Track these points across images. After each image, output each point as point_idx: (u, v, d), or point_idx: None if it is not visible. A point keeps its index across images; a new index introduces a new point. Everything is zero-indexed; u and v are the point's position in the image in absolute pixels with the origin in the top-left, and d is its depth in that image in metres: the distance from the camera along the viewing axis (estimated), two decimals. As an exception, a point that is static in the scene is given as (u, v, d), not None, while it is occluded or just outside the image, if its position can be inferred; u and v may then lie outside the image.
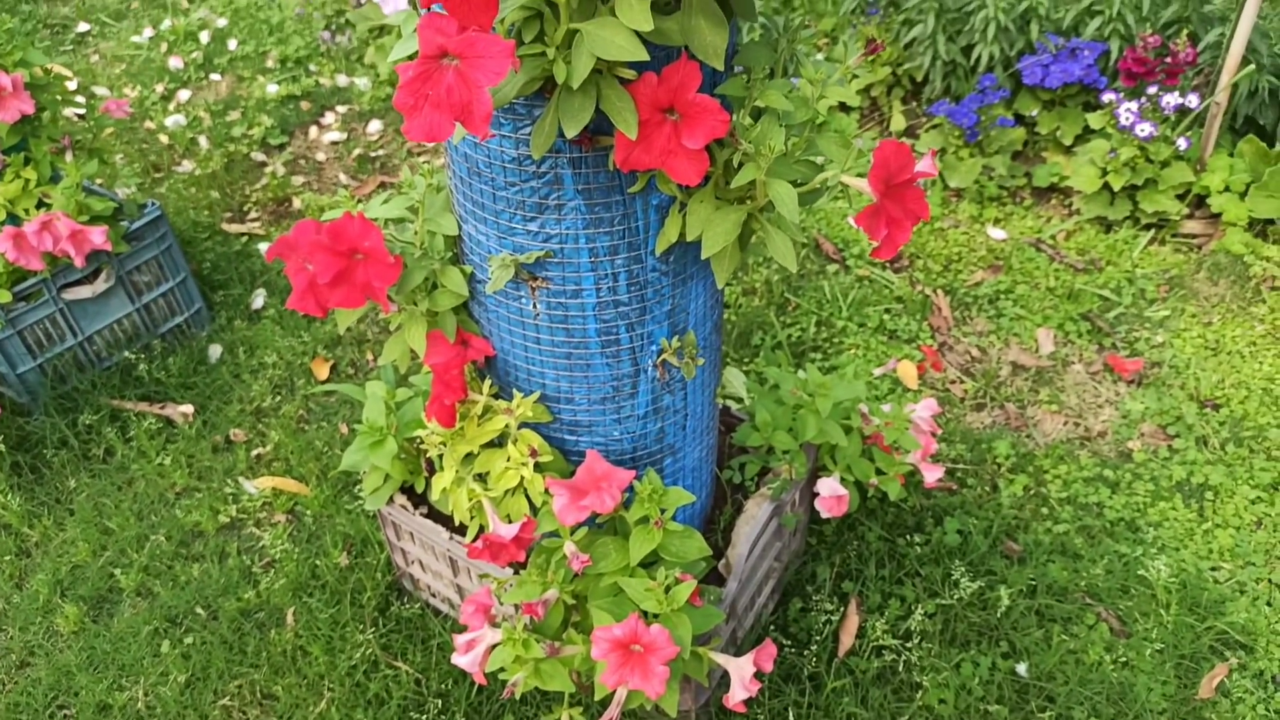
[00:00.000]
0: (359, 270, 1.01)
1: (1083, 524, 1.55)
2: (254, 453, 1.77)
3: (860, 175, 0.89)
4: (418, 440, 1.29)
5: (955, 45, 2.43)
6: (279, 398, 1.87)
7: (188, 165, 2.61)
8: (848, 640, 1.39)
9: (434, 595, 1.47)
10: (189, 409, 1.84)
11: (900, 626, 1.40)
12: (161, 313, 1.96)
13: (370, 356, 1.97)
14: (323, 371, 1.92)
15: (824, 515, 1.37)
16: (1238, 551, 1.50)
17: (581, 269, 1.00)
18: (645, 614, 1.03)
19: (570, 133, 0.81)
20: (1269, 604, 1.43)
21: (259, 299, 2.11)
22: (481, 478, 1.15)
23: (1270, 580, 1.46)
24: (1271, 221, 2.07)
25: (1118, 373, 1.83)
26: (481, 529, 1.17)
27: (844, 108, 2.59)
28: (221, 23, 3.24)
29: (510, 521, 1.11)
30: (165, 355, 1.95)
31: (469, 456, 1.15)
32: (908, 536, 1.52)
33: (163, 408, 1.85)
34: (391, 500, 1.36)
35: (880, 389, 1.79)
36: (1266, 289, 1.96)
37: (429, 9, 0.73)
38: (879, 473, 1.41)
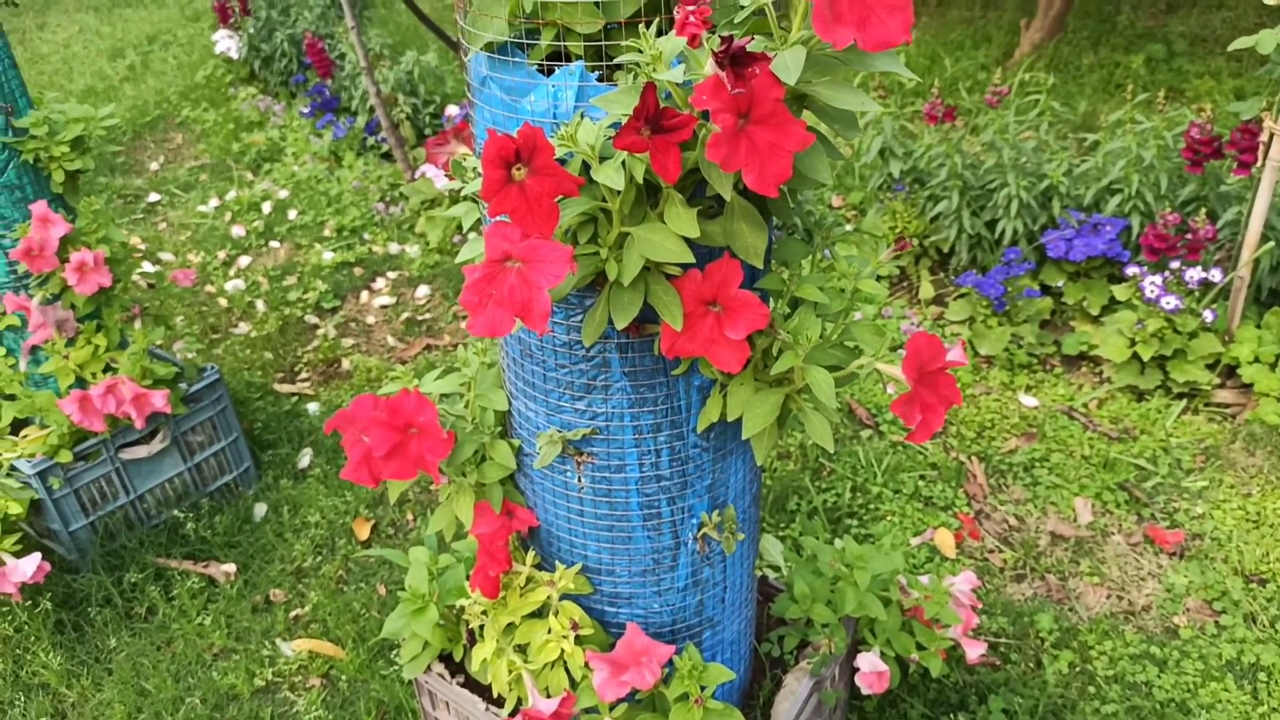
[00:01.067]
0: (413, 444, 1.05)
1: (1131, 704, 1.51)
2: (292, 613, 1.78)
3: (892, 363, 0.94)
4: (458, 609, 1.31)
5: (979, 219, 2.53)
6: (320, 558, 1.90)
7: (244, 327, 2.73)
8: (892, 826, 1.34)
9: (467, 768, 1.44)
10: (231, 568, 1.87)
11: (946, 812, 1.35)
12: (211, 471, 2.02)
13: (411, 517, 2.00)
14: (364, 531, 1.95)
15: (865, 691, 1.35)
16: (1297, 737, 1.45)
17: (626, 445, 1.04)
18: (685, 796, 1.01)
19: (620, 325, 0.87)
20: (1334, 796, 1.37)
21: (305, 458, 2.17)
22: (522, 649, 1.16)
23: (1334, 770, 1.40)
24: (1304, 392, 2.09)
25: (1159, 544, 1.82)
26: (519, 702, 1.17)
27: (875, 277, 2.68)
28: (283, 194, 3.45)
29: (549, 695, 1.11)
30: (212, 514, 1.99)
31: (510, 627, 1.16)
32: (952, 715, 1.49)
33: (206, 566, 1.88)
34: (429, 669, 1.36)
35: (918, 557, 1.78)
36: (1305, 460, 1.96)
37: (495, 219, 0.80)
38: (920, 648, 1.39)
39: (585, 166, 0.83)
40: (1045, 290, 2.46)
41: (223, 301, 2.86)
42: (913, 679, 1.53)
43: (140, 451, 1.88)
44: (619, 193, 0.82)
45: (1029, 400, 2.20)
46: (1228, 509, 1.87)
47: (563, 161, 0.80)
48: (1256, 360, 2.14)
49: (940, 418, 0.91)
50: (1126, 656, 1.59)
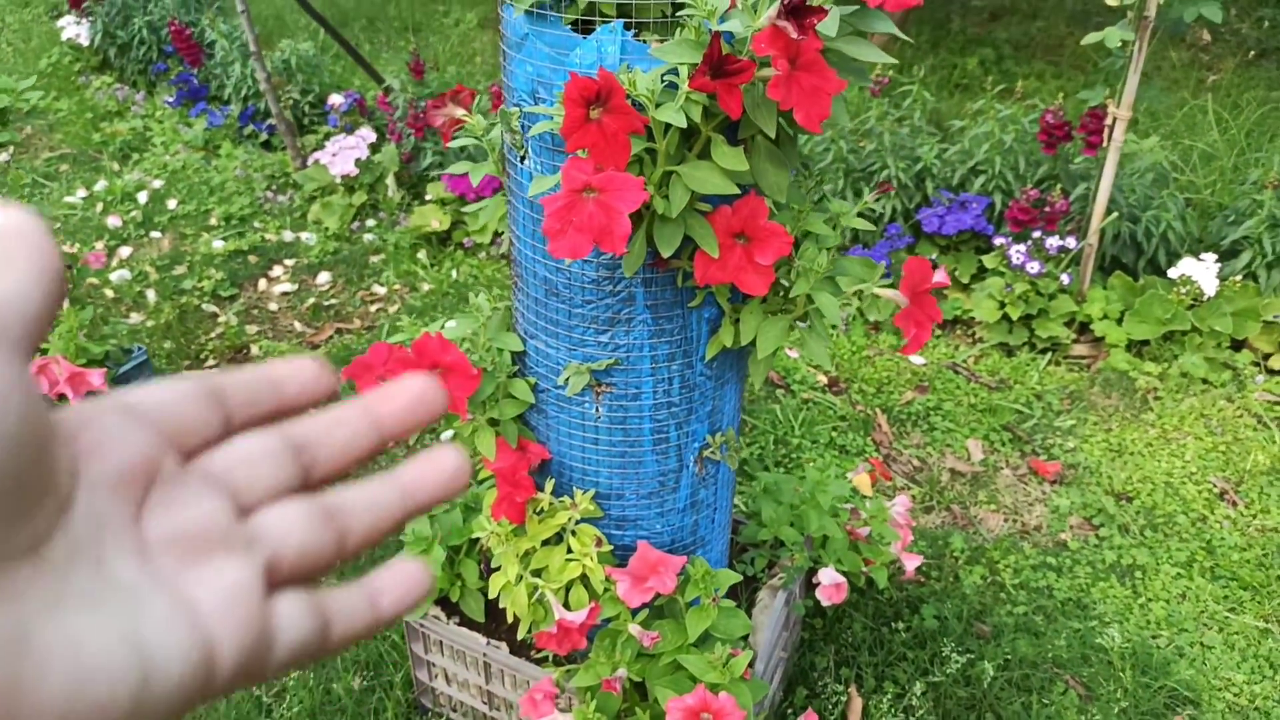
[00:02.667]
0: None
1: (1038, 605, 1.74)
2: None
3: (887, 288, 1.09)
4: (455, 550, 1.38)
5: (862, 199, 2.77)
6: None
7: (137, 318, 2.64)
8: (853, 722, 1.51)
9: (455, 709, 1.51)
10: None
11: (898, 705, 1.53)
12: (140, 455, 1.97)
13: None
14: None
15: (824, 603, 1.50)
16: (1171, 620, 1.71)
17: (643, 374, 1.15)
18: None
19: (666, 253, 0.98)
20: (1205, 663, 1.63)
21: (232, 440, 2.14)
22: (537, 574, 1.25)
23: (1202, 643, 1.67)
24: (1146, 342, 2.41)
25: (1041, 475, 2.07)
26: (531, 627, 1.25)
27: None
28: (157, 184, 3.34)
29: (572, 610, 1.21)
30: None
31: (526, 555, 1.25)
32: (891, 625, 1.67)
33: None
34: (426, 614, 1.42)
35: (855, 503, 1.97)
36: (1152, 398, 2.27)
37: (572, 154, 0.90)
38: (866, 563, 1.56)
39: (639, 108, 0.94)
40: (922, 262, 2.71)
41: (109, 293, 2.75)
42: (853, 597, 1.71)
43: (71, 434, 1.83)
44: (668, 133, 0.94)
45: (918, 359, 2.44)
46: (1094, 442, 2.15)
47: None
48: (1105, 317, 2.45)
49: (928, 331, 1.07)
50: (1028, 567, 1.82)
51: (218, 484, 0.25)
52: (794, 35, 0.82)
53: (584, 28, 1.01)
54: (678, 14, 0.95)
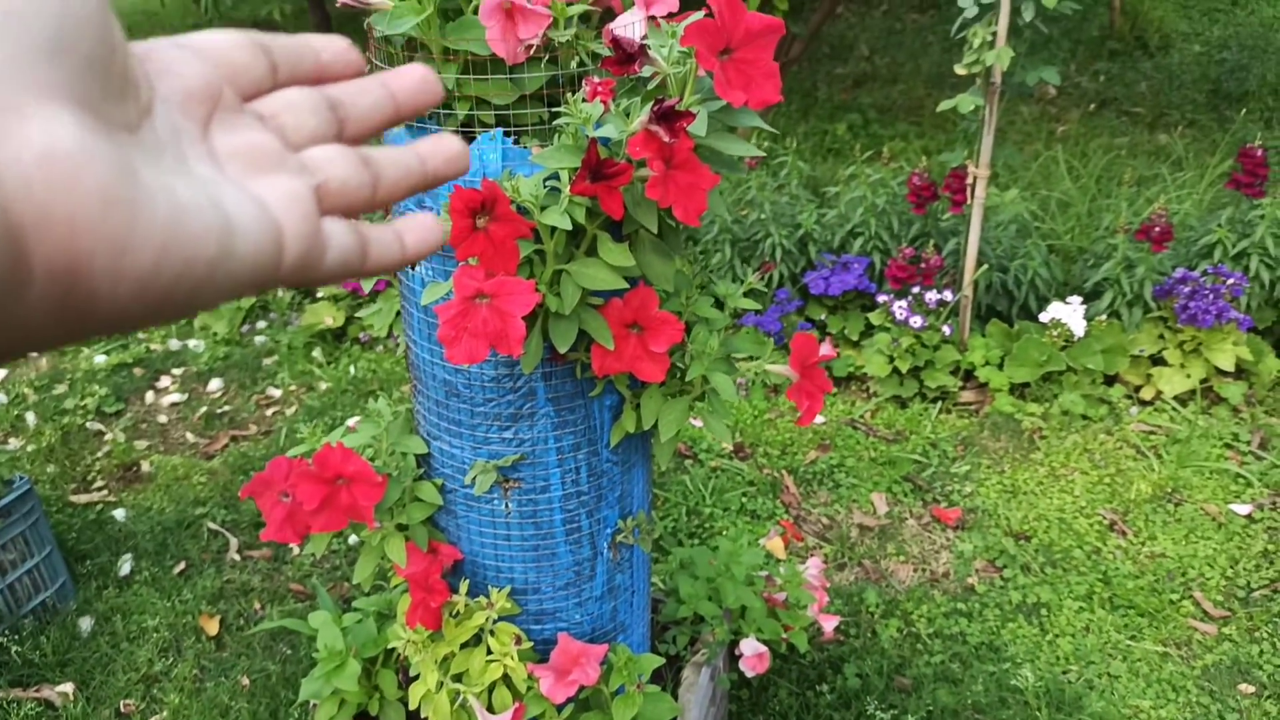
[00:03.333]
0: (343, 494, 1.12)
1: (954, 652, 1.78)
2: (150, 722, 1.69)
3: (776, 363, 1.13)
4: (373, 660, 1.34)
5: (750, 267, 2.86)
6: (169, 660, 1.81)
7: (16, 443, 2.52)
8: (788, 791, 1.51)
9: (383, 828, 1.45)
10: (69, 687, 1.74)
11: (830, 769, 1.54)
12: (25, 590, 1.87)
13: (258, 605, 1.95)
14: (213, 627, 1.88)
15: (749, 674, 1.52)
16: (1078, 654, 1.77)
17: (550, 466, 1.16)
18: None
19: (562, 349, 1.00)
20: (1113, 693, 1.69)
21: (126, 565, 2.05)
22: (458, 678, 1.23)
23: (1109, 674, 1.74)
24: (1027, 385, 2.54)
25: (944, 521, 2.14)
26: (457, 732, 1.23)
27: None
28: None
29: (495, 713, 1.19)
30: (37, 634, 1.84)
31: (445, 660, 1.22)
32: (815, 688, 1.68)
33: (39, 690, 1.74)
34: (344, 729, 1.38)
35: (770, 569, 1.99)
36: (1038, 438, 2.38)
37: (463, 262, 0.92)
38: (785, 628, 1.58)
39: (524, 213, 0.97)
40: (812, 323, 2.81)
41: (-18, 418, 2.62)
42: (775, 664, 1.72)
43: (-53, 577, 1.72)
44: (554, 235, 0.96)
45: (818, 418, 2.50)
46: (989, 485, 2.24)
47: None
48: (987, 363, 2.57)
49: (820, 402, 1.11)
50: (940, 615, 1.87)
51: (270, 122, 0.28)
52: (666, 139, 0.87)
53: (465, 137, 1.04)
54: (555, 121, 0.98)
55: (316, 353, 2.85)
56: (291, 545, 2.11)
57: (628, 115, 0.92)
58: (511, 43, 0.97)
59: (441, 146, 0.32)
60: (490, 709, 1.19)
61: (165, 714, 1.70)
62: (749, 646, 1.51)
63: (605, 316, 1.03)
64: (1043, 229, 3.11)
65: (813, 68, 5.72)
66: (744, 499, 2.21)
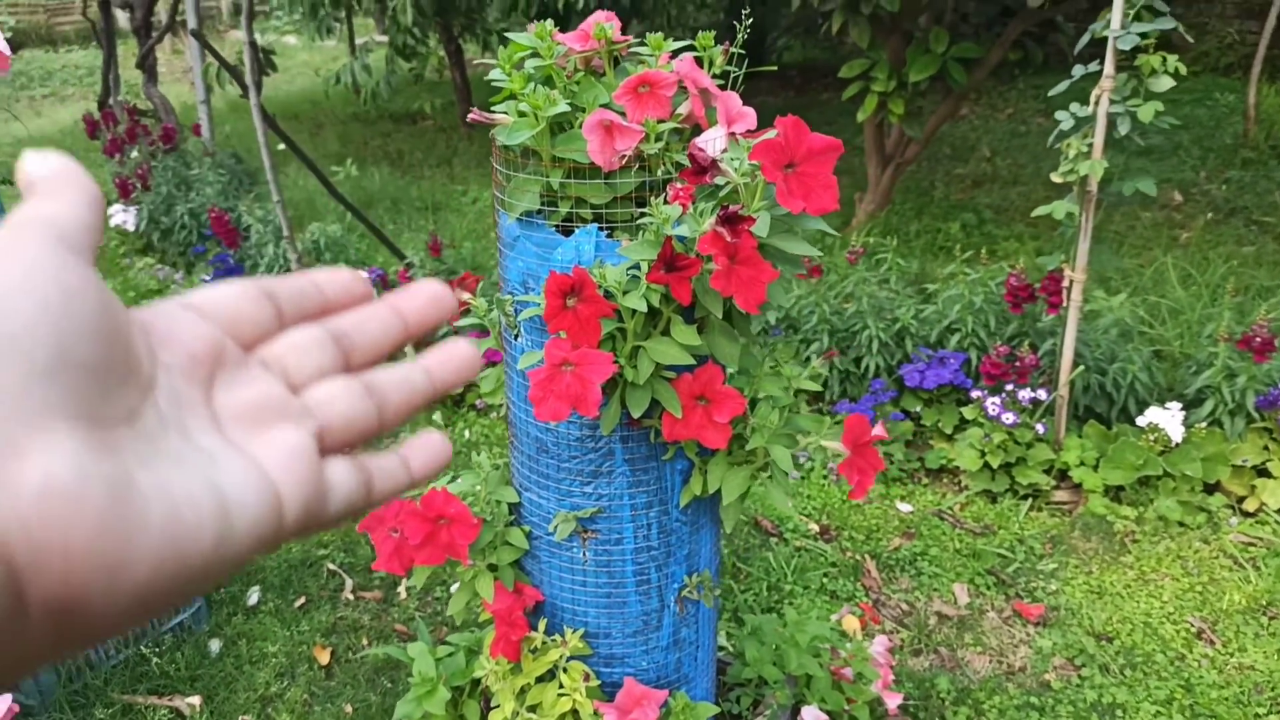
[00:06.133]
0: (443, 532, 1.28)
1: (1021, 744, 1.80)
2: (262, 738, 1.87)
3: (832, 439, 1.25)
4: (460, 691, 1.49)
5: (847, 357, 2.96)
6: (284, 684, 2.00)
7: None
8: None
9: None
10: (197, 700, 1.95)
11: (884, 843, 1.58)
12: (168, 610, 2.10)
13: (365, 641, 2.13)
14: (324, 657, 2.07)
15: (809, 741, 1.59)
16: (1150, 757, 1.76)
17: (624, 521, 1.30)
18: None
19: (636, 414, 1.15)
20: (1184, 799, 1.68)
21: (254, 595, 2.27)
22: (533, 709, 1.36)
23: (1181, 779, 1.72)
24: (1122, 488, 2.53)
25: (1025, 617, 2.16)
26: (529, 761, 1.35)
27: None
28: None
29: (563, 744, 1.31)
30: (173, 649, 2.07)
31: (522, 692, 1.36)
32: (877, 764, 1.73)
33: (172, 700, 1.95)
34: (430, 753, 1.52)
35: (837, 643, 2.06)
36: (1129, 541, 2.37)
37: (555, 334, 1.08)
38: (849, 700, 1.65)
39: (610, 296, 1.13)
40: (907, 414, 2.87)
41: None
42: (842, 739, 1.78)
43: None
44: (634, 315, 1.12)
45: (905, 507, 2.56)
46: (1075, 584, 2.24)
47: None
48: (1082, 464, 2.58)
49: (871, 479, 1.22)
50: (1012, 707, 1.89)
51: (273, 368, 0.29)
52: (728, 239, 1.02)
53: (565, 229, 1.21)
54: (640, 219, 1.15)
55: (437, 415, 3.08)
56: (399, 590, 2.30)
57: (700, 218, 1.08)
58: (608, 153, 1.15)
59: (452, 358, 0.33)
60: (558, 740, 1.31)
61: (276, 732, 1.88)
62: (810, 714, 1.58)
63: (675, 388, 1.17)
64: (1150, 334, 3.10)
65: (931, 167, 5.82)
66: (825, 579, 2.28)
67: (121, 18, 6.24)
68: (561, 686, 1.33)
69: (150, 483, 0.23)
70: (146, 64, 5.07)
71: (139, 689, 1.97)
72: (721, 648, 1.75)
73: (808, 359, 3.04)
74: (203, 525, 0.24)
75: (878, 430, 1.23)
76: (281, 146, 3.71)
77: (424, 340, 0.35)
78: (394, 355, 0.33)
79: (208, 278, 4.08)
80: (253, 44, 3.18)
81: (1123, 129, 2.27)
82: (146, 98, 5.19)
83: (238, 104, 7.39)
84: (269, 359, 0.29)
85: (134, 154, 4.67)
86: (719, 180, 1.14)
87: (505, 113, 1.19)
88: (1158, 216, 4.74)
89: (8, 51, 1.71)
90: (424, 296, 0.33)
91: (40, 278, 0.23)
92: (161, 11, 5.68)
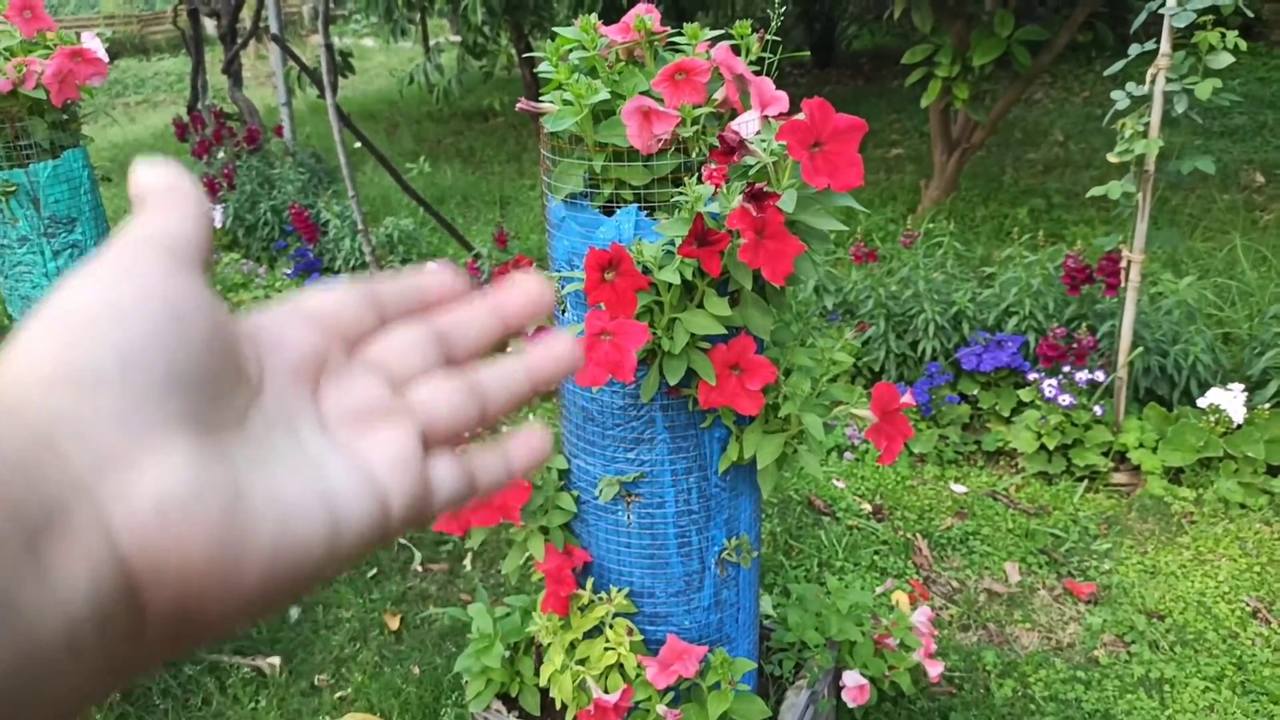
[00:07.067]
0: (496, 495, 1.37)
1: (1066, 716, 1.83)
2: (337, 695, 2.00)
3: (861, 407, 1.30)
4: (514, 650, 1.59)
5: (903, 341, 2.98)
6: (356, 647, 2.13)
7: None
8: (881, 819, 1.61)
9: (516, 802, 1.67)
10: (277, 660, 2.09)
11: (924, 804, 1.63)
12: (252, 578, 2.25)
13: (432, 608, 2.25)
14: (394, 623, 2.19)
15: (850, 705, 1.64)
16: (1197, 731, 1.77)
17: (665, 486, 1.37)
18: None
19: (673, 382, 1.22)
20: (1230, 772, 1.69)
21: (330, 566, 2.41)
22: (581, 663, 1.44)
23: (1228, 753, 1.73)
24: (1181, 470, 2.51)
25: (1076, 595, 2.17)
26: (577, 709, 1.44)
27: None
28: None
29: (609, 693, 1.39)
30: (257, 613, 2.21)
31: (571, 647, 1.45)
32: (920, 731, 1.78)
33: (254, 659, 2.09)
34: (489, 706, 1.62)
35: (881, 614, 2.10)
36: (1187, 523, 2.36)
37: (594, 306, 1.16)
38: (890, 668, 1.70)
39: (647, 271, 1.21)
40: (963, 398, 2.89)
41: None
42: (884, 706, 1.83)
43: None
44: (670, 288, 1.20)
45: (959, 488, 2.58)
46: (1129, 564, 2.25)
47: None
48: (1141, 445, 2.57)
49: (899, 445, 1.27)
50: (1058, 681, 1.92)
51: (377, 368, 0.29)
52: (754, 214, 1.08)
53: (607, 210, 1.29)
54: (676, 198, 1.22)
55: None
56: (464, 563, 2.41)
57: (729, 195, 1.15)
58: (646, 137, 1.22)
59: (551, 352, 0.32)
60: (605, 690, 1.40)
61: (349, 690, 2.01)
62: (851, 678, 1.64)
63: (710, 358, 1.24)
64: (1219, 316, 3.05)
65: (1001, 153, 5.75)
66: (876, 557, 2.32)
67: (209, 25, 6.54)
68: (608, 641, 1.42)
69: (262, 490, 0.24)
70: (232, 69, 5.31)
71: (224, 649, 2.12)
72: (767, 616, 1.81)
73: (864, 343, 3.07)
74: (313, 531, 0.24)
75: (906, 398, 1.28)
76: (357, 145, 3.88)
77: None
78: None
79: (289, 271, 4.27)
80: (328, 47, 3.34)
81: (1180, 107, 2.26)
82: (232, 101, 5.44)
83: (317, 105, 7.66)
84: (372, 360, 0.30)
85: (220, 155, 4.91)
86: (749, 160, 1.20)
87: (552, 102, 1.28)
88: (1237, 198, 4.62)
89: (106, 59, 1.86)
90: (524, 295, 0.33)
91: (155, 298, 0.24)
92: (246, 18, 5.94)
